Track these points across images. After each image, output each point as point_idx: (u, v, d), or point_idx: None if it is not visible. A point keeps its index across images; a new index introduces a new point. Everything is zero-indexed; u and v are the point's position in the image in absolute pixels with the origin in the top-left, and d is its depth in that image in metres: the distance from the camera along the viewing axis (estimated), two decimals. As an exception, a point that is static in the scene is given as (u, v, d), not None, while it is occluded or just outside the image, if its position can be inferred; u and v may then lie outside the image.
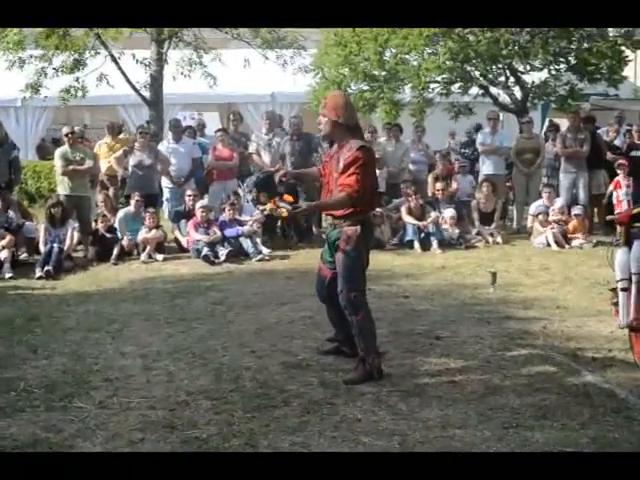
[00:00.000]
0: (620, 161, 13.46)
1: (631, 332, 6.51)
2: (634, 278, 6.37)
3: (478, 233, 13.27)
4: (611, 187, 13.50)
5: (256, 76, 19.21)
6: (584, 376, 6.22)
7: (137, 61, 16.80)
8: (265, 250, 11.99)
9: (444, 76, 16.28)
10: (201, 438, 5.10)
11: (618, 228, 6.96)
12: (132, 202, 12.49)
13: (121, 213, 12.52)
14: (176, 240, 12.65)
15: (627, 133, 14.98)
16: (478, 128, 16.44)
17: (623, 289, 6.50)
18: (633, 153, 13.64)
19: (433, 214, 12.88)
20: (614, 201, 13.31)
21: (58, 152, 12.56)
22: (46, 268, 10.67)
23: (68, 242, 11.55)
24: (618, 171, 13.38)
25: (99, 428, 5.31)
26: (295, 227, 13.10)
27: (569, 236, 12.78)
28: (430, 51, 16.03)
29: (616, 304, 6.69)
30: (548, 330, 7.60)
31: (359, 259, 6.24)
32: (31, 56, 16.52)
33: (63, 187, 12.36)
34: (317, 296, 6.83)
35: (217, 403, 5.73)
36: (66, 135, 12.53)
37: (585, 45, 15.68)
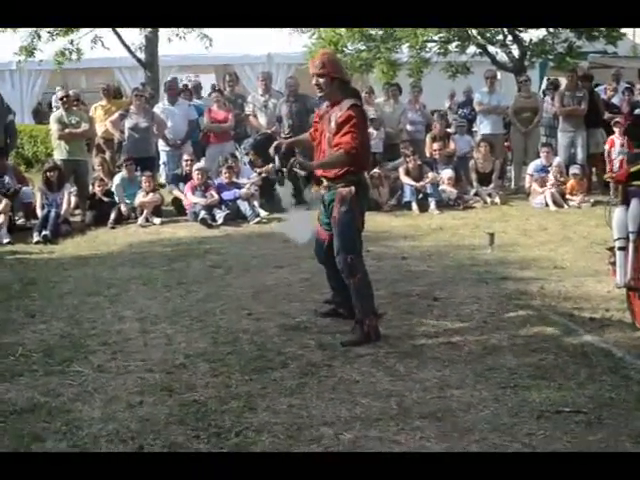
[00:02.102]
0: (617, 119, 13.40)
1: (628, 291, 6.51)
2: (631, 237, 6.36)
3: (476, 194, 13.24)
4: (607, 145, 13.48)
5: (252, 37, 19.05)
6: (581, 336, 6.24)
7: (132, 23, 16.66)
8: (263, 213, 11.95)
9: (441, 35, 16.09)
10: (199, 401, 5.11)
11: (613, 186, 6.93)
12: (123, 167, 12.46)
13: (117, 178, 12.45)
14: (174, 202, 12.62)
15: (626, 91, 14.88)
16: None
17: (620, 248, 6.48)
18: (637, 111, 13.59)
19: (431, 175, 12.83)
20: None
21: (53, 116, 12.53)
22: (43, 233, 10.67)
23: (65, 206, 11.53)
24: (614, 129, 13.34)
25: (97, 392, 5.32)
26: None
27: (567, 196, 12.76)
28: (427, 10, 15.84)
29: (613, 263, 6.67)
30: (545, 290, 7.61)
31: (354, 220, 6.22)
32: (25, 19, 16.37)
33: (60, 151, 12.33)
34: (316, 259, 6.82)
35: (215, 366, 5.74)
36: (61, 99, 12.47)
37: (583, 2, 15.50)
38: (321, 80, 6.21)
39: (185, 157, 12.83)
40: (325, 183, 6.35)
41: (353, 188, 6.14)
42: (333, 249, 6.29)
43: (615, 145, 13.31)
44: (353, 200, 6.15)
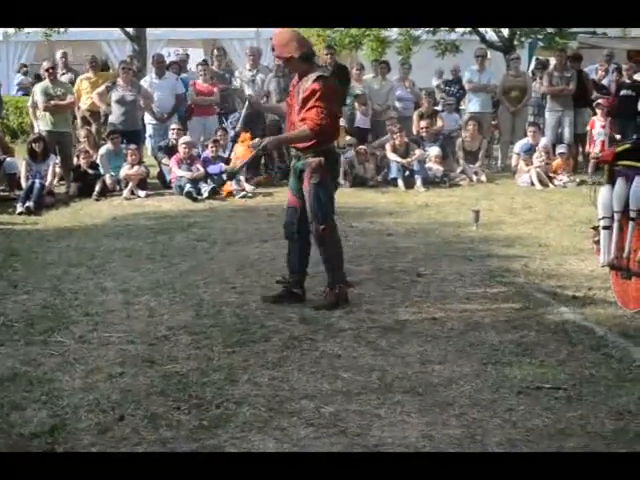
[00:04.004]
0: (599, 100, 13.44)
1: (611, 270, 6.53)
2: (616, 216, 6.37)
3: (462, 171, 13.23)
4: (588, 127, 13.54)
5: (241, 12, 18.90)
6: (563, 313, 6.26)
7: (119, -5, 16.51)
8: (248, 187, 11.92)
9: (431, 13, 16.06)
10: (181, 372, 5.10)
11: (592, 166, 6.94)
12: (109, 140, 12.39)
13: (103, 150, 12.37)
14: (159, 175, 12.57)
15: (615, 72, 14.87)
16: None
17: (605, 227, 6.49)
18: (622, 92, 13.60)
19: (418, 152, 12.81)
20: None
21: (39, 87, 12.38)
22: (27, 204, 10.60)
23: (49, 178, 11.47)
24: (597, 110, 13.37)
25: (78, 362, 5.30)
26: (279, 164, 13.03)
27: (553, 175, 12.77)
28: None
29: (598, 242, 6.69)
30: (529, 268, 7.62)
31: (326, 191, 6.29)
32: (11, -11, 16.21)
33: (44, 123, 12.21)
34: (283, 232, 6.67)
35: (197, 338, 5.73)
36: (46, 70, 12.35)
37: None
38: (280, 61, 6.29)
39: (173, 126, 12.75)
40: (294, 152, 6.39)
41: (322, 158, 6.19)
42: (305, 217, 6.34)
43: (595, 126, 13.34)
44: (323, 170, 6.21)
